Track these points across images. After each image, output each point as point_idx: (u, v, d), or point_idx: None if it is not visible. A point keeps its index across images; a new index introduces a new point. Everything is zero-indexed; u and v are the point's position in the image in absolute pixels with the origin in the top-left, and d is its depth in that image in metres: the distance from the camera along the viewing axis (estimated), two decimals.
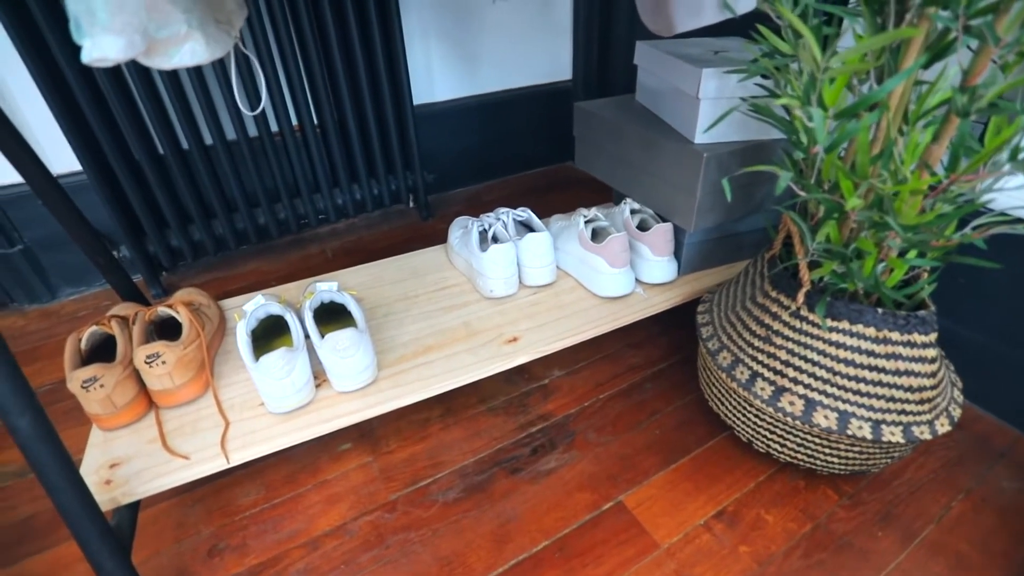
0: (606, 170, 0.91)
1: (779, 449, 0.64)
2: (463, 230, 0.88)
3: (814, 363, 0.57)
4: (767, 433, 0.64)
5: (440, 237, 1.24)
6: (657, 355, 0.88)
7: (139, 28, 0.40)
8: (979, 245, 0.51)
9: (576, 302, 0.80)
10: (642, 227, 0.84)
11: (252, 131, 1.09)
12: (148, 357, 0.60)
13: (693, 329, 0.93)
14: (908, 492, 0.66)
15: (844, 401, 0.56)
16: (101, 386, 0.58)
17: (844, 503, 0.65)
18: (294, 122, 1.06)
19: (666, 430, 0.75)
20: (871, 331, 0.54)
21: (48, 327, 0.99)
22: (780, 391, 0.59)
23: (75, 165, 0.99)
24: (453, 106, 1.34)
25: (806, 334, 0.57)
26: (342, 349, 0.62)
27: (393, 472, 0.70)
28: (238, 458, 0.59)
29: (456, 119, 1.36)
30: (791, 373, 0.58)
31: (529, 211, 0.86)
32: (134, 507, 0.58)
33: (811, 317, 0.56)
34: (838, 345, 0.55)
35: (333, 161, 1.13)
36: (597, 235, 0.84)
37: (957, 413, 0.58)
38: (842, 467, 0.62)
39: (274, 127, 1.10)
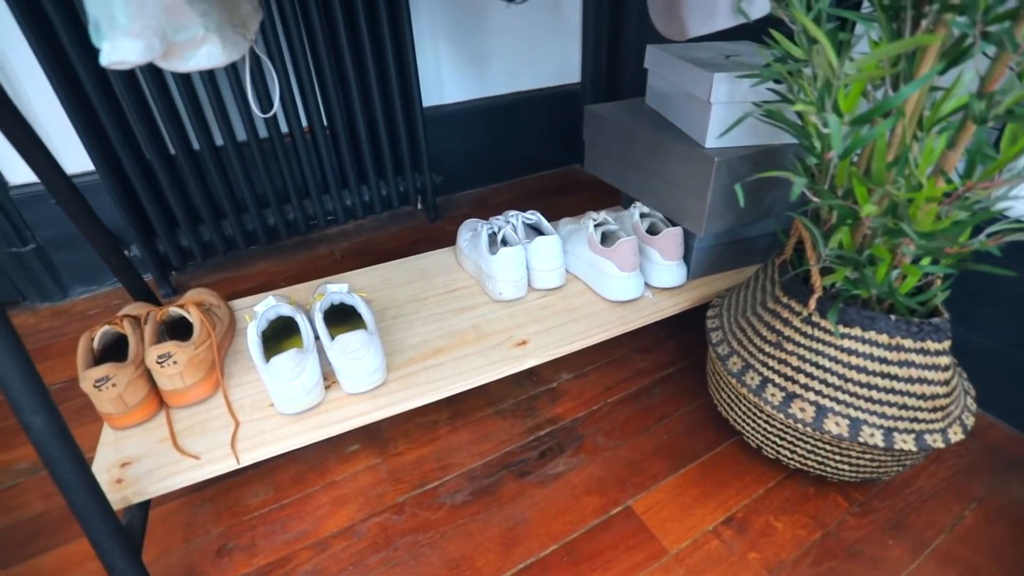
0: (616, 173, 0.91)
1: (789, 456, 0.64)
2: (472, 232, 0.88)
3: (825, 369, 0.56)
4: (777, 439, 0.63)
5: (448, 239, 1.24)
6: (665, 359, 0.88)
7: (157, 31, 0.41)
8: (993, 252, 0.50)
9: (585, 306, 0.80)
10: (652, 231, 0.84)
11: (262, 132, 1.10)
12: (160, 357, 0.61)
13: (701, 334, 0.93)
14: (919, 501, 0.65)
15: (856, 408, 0.55)
16: (113, 385, 0.58)
17: (854, 511, 0.64)
18: (304, 123, 1.07)
19: (674, 435, 0.75)
20: (884, 338, 0.53)
21: (59, 325, 1.00)
22: (791, 397, 0.58)
23: (87, 165, 1.00)
24: (462, 108, 1.34)
25: (817, 340, 0.57)
26: (352, 351, 0.62)
27: (401, 474, 0.70)
28: (248, 459, 0.59)
29: (465, 121, 1.36)
30: (802, 379, 0.58)
31: (538, 214, 0.86)
32: (145, 506, 0.58)
33: (823, 323, 0.56)
34: (850, 352, 0.55)
35: (342, 162, 1.14)
36: (606, 239, 0.84)
37: (970, 421, 0.57)
38: (852, 474, 0.62)
39: (284, 128, 1.11)
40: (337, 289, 0.70)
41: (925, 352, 0.53)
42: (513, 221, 0.85)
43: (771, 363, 0.60)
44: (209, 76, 0.93)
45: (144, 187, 0.96)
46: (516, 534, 0.63)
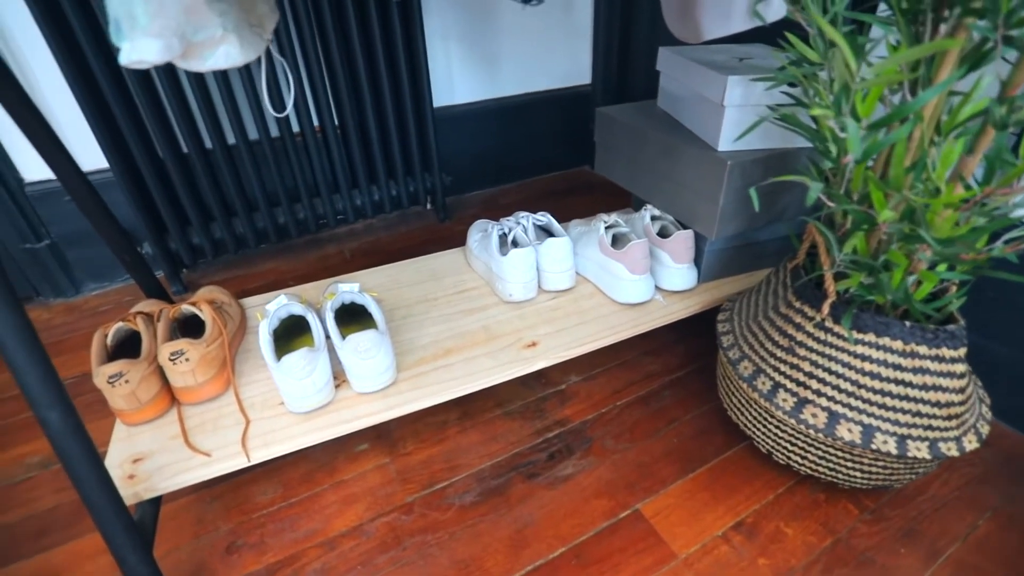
0: (627, 175, 0.91)
1: (800, 461, 0.63)
2: (482, 233, 0.88)
3: (838, 375, 0.56)
4: (788, 444, 0.63)
5: (457, 239, 1.25)
6: (675, 363, 0.87)
7: (177, 31, 0.41)
8: (1011, 259, 0.50)
9: (595, 308, 0.80)
10: (663, 234, 0.84)
11: (274, 131, 1.11)
12: (172, 354, 0.61)
13: (711, 337, 0.92)
14: (932, 509, 0.65)
15: (869, 415, 0.55)
16: (126, 382, 0.59)
17: (866, 518, 0.64)
18: (315, 123, 1.08)
19: (684, 439, 0.74)
20: (898, 344, 0.53)
21: (72, 321, 1.01)
22: (803, 403, 0.58)
23: (101, 163, 1.01)
24: (472, 109, 1.34)
25: (831, 346, 0.56)
26: (363, 350, 0.62)
27: (410, 474, 0.70)
28: (259, 456, 0.59)
29: (475, 122, 1.36)
30: (814, 385, 0.57)
31: (549, 215, 0.86)
32: (156, 502, 0.59)
33: (836, 329, 0.56)
34: (864, 358, 0.54)
35: (353, 162, 1.14)
36: (617, 241, 0.84)
37: (985, 430, 0.57)
38: (864, 481, 0.61)
39: (296, 128, 1.11)
40: (348, 288, 0.70)
41: (940, 359, 0.52)
42: (523, 222, 0.85)
43: (783, 368, 0.60)
44: (223, 76, 0.94)
45: (157, 185, 0.97)
46: (525, 536, 0.63)
